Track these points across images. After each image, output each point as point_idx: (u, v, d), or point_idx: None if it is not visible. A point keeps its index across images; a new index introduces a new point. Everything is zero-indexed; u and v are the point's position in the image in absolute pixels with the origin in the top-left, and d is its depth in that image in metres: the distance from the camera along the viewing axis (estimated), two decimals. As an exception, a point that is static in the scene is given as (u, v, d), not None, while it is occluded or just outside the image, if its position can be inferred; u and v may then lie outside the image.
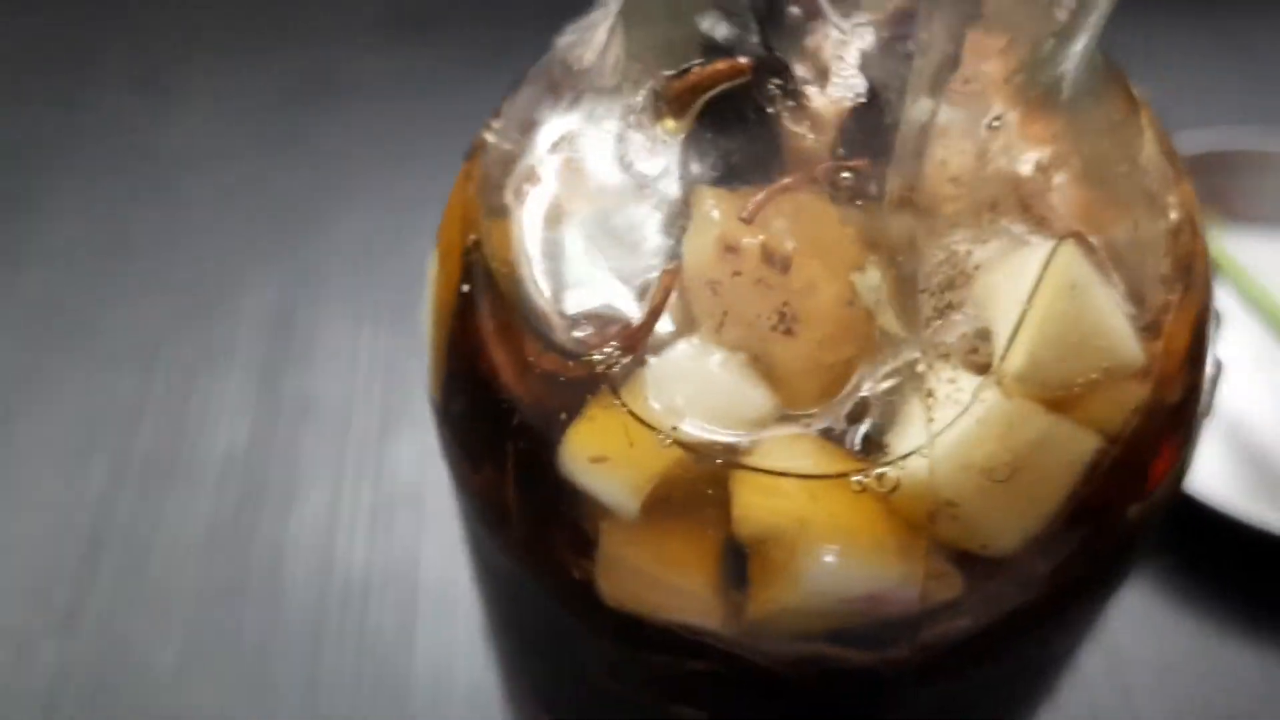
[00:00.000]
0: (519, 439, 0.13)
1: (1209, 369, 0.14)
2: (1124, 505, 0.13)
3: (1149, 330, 0.13)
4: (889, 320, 0.12)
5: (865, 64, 0.11)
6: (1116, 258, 0.13)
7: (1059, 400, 0.12)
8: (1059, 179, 0.12)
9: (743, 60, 0.11)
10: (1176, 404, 0.13)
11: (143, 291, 0.38)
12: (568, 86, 0.14)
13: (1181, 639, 0.30)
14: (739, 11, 0.11)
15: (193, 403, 0.34)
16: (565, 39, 0.15)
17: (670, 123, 0.12)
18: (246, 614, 0.30)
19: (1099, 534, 0.13)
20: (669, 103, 0.12)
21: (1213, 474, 0.31)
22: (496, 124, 0.15)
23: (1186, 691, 0.29)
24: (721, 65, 0.11)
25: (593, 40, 0.14)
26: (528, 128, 0.14)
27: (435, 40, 0.45)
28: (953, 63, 0.11)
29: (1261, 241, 0.36)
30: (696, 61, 0.11)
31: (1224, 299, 0.33)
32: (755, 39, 0.11)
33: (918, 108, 0.11)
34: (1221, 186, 0.36)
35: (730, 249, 0.12)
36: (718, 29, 0.12)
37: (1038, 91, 0.12)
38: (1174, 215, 0.13)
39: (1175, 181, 0.14)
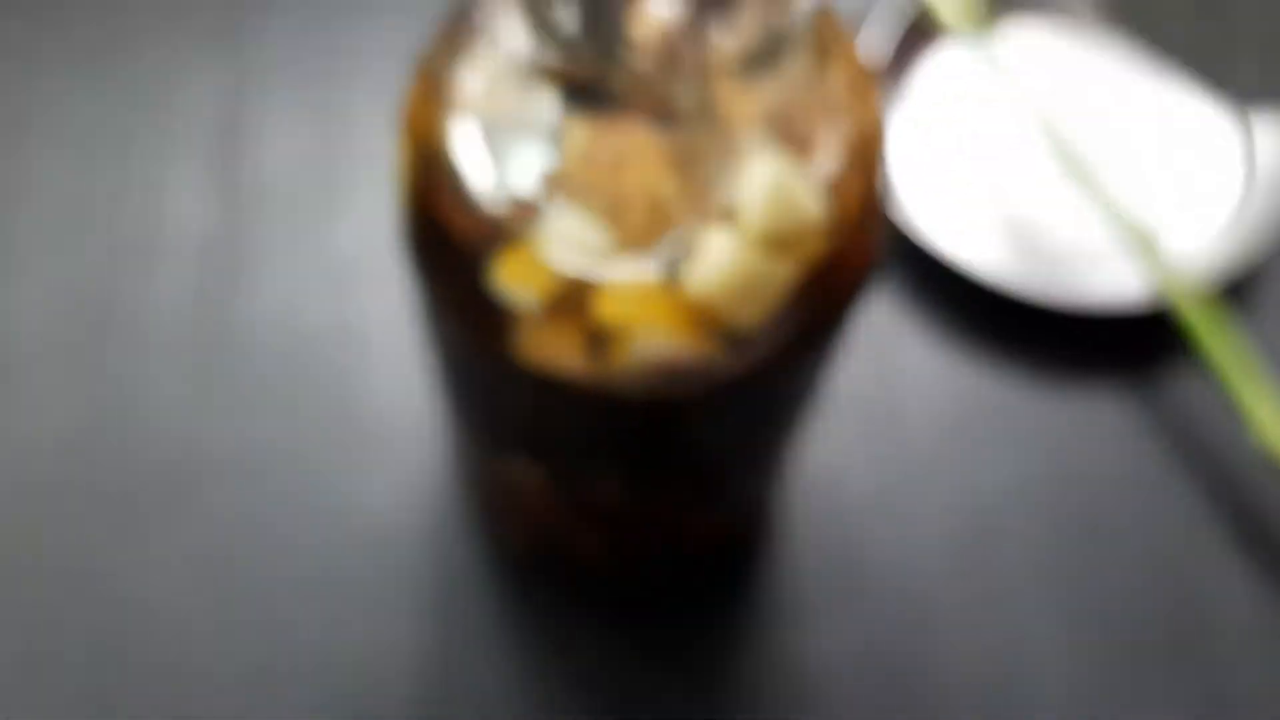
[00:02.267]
0: (462, 263, 0.22)
1: (879, 194, 0.23)
2: (823, 292, 0.22)
3: (833, 199, 0.22)
4: (680, 205, 0.20)
5: (669, 47, 0.19)
6: (812, 156, 0.21)
7: (772, 246, 0.21)
8: (783, 108, 0.21)
9: (588, 71, 0.19)
10: (855, 232, 0.22)
11: (103, 92, 0.44)
12: (482, 39, 0.22)
13: (938, 364, 0.40)
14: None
15: (166, 190, 0.42)
16: (484, 6, 0.22)
17: (550, 85, 0.20)
18: (233, 362, 0.39)
19: (811, 312, 0.22)
20: (548, 75, 0.20)
21: (975, 242, 0.41)
22: (432, 53, 0.23)
23: (940, 403, 0.39)
24: (575, 70, 0.19)
25: (504, 14, 0.22)
26: (458, 61, 0.22)
27: None
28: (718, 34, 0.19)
29: (1024, 34, 0.45)
30: (562, 61, 0.20)
31: (991, 87, 0.42)
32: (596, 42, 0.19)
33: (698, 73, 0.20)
34: None
35: (587, 157, 0.21)
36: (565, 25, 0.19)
37: (777, 48, 0.20)
38: (857, 128, 0.22)
39: (861, 104, 0.22)
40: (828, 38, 0.22)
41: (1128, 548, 0.37)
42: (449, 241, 0.22)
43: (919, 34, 0.43)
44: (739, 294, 0.21)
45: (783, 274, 0.21)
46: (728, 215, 0.21)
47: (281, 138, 0.42)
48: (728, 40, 0.19)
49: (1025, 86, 0.40)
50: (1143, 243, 0.38)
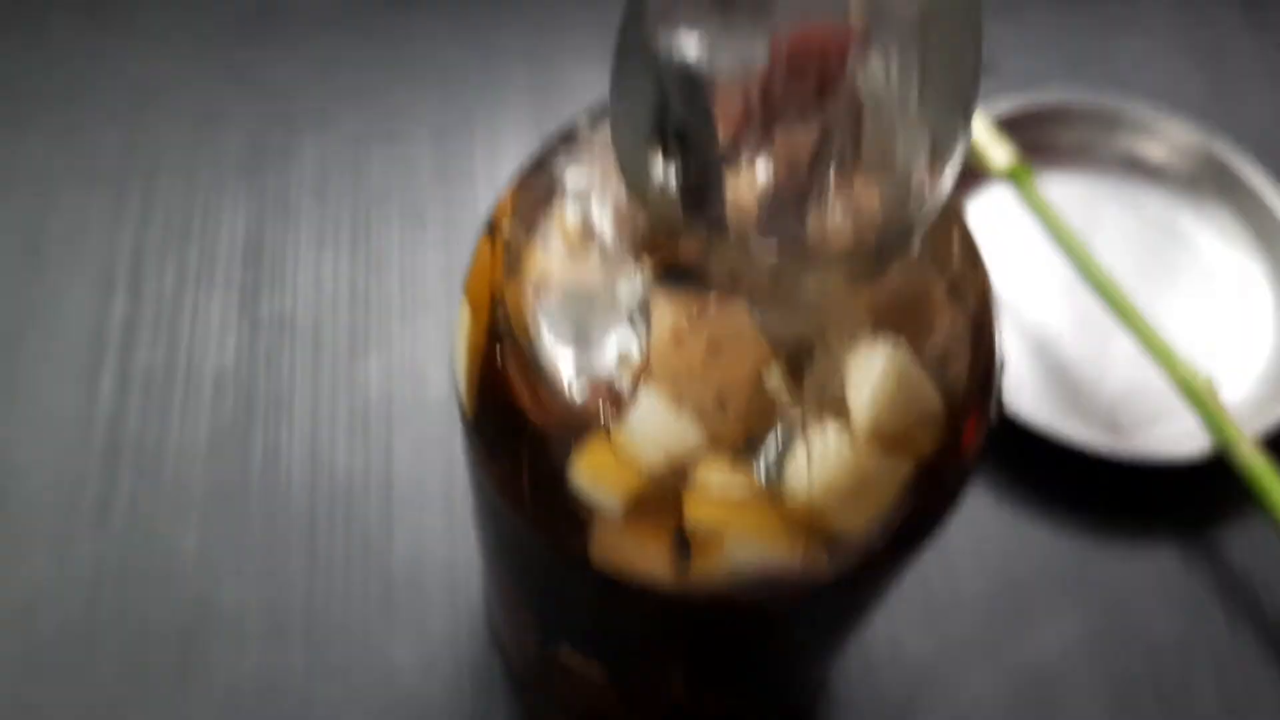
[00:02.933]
0: (534, 452, 0.19)
1: (996, 371, 0.21)
2: (936, 486, 0.20)
3: (949, 385, 0.19)
4: (785, 398, 0.18)
5: (774, 217, 0.17)
6: (929, 338, 0.19)
7: (888, 442, 0.18)
8: (897, 298, 0.18)
9: (691, 246, 0.17)
10: (970, 418, 0.20)
11: (122, 219, 0.41)
12: (565, 198, 0.19)
13: (992, 519, 0.37)
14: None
15: (182, 323, 0.39)
16: (564, 168, 0.20)
17: (645, 261, 0.18)
18: (251, 508, 0.35)
19: (920, 510, 0.20)
20: (642, 250, 0.17)
21: (1024, 389, 0.38)
22: (508, 221, 0.20)
23: (995, 560, 0.36)
24: (670, 241, 0.17)
25: (589, 178, 0.19)
26: (535, 227, 0.20)
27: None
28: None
29: (1066, 181, 0.43)
30: (656, 229, 0.17)
31: (1036, 233, 0.40)
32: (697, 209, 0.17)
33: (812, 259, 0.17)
34: (1036, 136, 0.43)
35: (679, 341, 0.18)
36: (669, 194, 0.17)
37: (898, 243, 0.18)
38: (972, 301, 0.19)
39: (974, 274, 0.20)
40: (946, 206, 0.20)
41: (1193, 712, 0.34)
42: (520, 425, 0.19)
43: (965, 178, 0.41)
44: (849, 497, 0.18)
45: (897, 472, 0.18)
46: (838, 409, 0.18)
47: (307, 268, 0.40)
48: (847, 221, 0.16)
49: (1071, 232, 0.38)
50: (1199, 391, 0.36)
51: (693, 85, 0.15)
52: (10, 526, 0.34)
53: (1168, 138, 0.42)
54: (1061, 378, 0.39)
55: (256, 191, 0.41)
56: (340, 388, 0.37)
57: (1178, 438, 0.37)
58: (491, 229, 0.21)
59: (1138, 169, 0.43)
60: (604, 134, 0.20)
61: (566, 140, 0.20)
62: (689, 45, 0.15)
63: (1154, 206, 0.42)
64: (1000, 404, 0.21)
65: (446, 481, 0.36)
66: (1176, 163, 0.42)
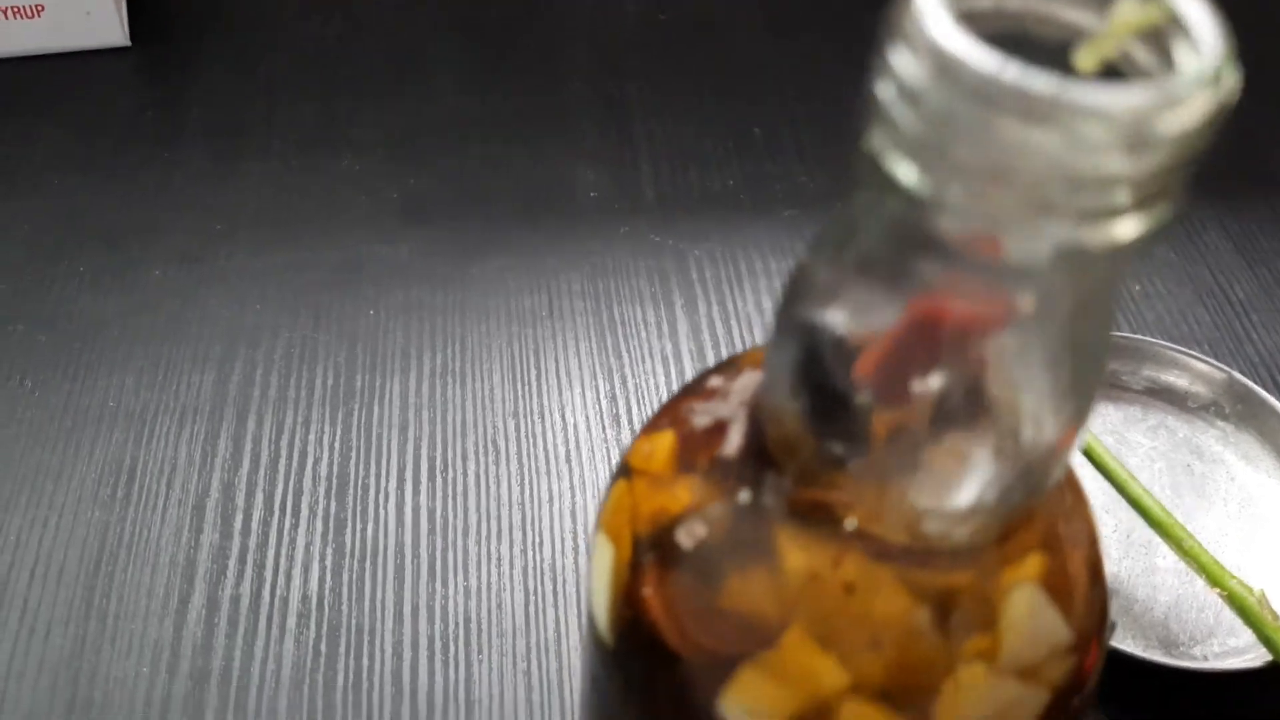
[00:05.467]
0: (680, 685, 0.19)
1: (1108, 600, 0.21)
2: (1065, 713, 0.20)
3: (1074, 617, 0.19)
4: (930, 637, 0.18)
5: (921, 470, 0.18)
6: (1055, 574, 0.19)
7: (1024, 673, 0.18)
8: (1026, 540, 0.19)
9: (834, 492, 0.17)
10: (1091, 645, 0.20)
11: (212, 454, 0.42)
12: (702, 459, 0.20)
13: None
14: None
15: (269, 553, 0.39)
16: (695, 415, 0.21)
17: (778, 503, 0.18)
18: (338, 734, 0.35)
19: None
20: (777, 493, 0.18)
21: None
22: (644, 463, 0.21)
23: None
24: (820, 493, 0.18)
25: (722, 423, 0.20)
26: (671, 469, 0.20)
27: (436, 229, 0.51)
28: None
29: (1099, 408, 0.44)
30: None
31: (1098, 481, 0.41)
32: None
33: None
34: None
35: (818, 582, 0.18)
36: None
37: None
38: (1084, 536, 0.20)
39: (1082, 510, 0.21)
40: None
41: None
42: (664, 658, 0.19)
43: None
44: (994, 728, 0.18)
45: (1036, 702, 0.19)
46: (981, 646, 0.18)
47: (390, 495, 0.40)
48: (988, 475, 0.17)
49: (1110, 457, 0.39)
50: (1253, 608, 0.36)
51: (837, 349, 0.17)
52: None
53: (1188, 368, 0.44)
54: (1114, 592, 0.39)
55: (344, 428, 0.42)
56: (422, 614, 0.37)
57: (1236, 649, 0.36)
58: (627, 470, 0.22)
59: (1164, 396, 0.44)
60: (735, 383, 0.21)
61: (696, 390, 0.22)
62: (836, 319, 0.17)
63: (1184, 430, 0.43)
64: (1112, 629, 0.22)
65: (526, 704, 0.35)
66: (1200, 391, 0.44)
